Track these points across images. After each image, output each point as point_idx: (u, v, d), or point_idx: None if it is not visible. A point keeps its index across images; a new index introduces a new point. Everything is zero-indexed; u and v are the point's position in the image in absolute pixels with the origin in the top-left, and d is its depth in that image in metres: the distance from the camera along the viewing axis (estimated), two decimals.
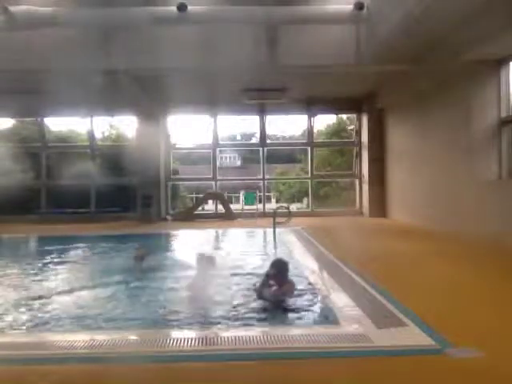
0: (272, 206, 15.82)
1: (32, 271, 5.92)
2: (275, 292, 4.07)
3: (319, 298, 4.09)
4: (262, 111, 14.04)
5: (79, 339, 2.96)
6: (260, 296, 4.08)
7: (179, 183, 16.69)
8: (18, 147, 13.30)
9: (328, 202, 16.49)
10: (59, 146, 14.87)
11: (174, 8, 8.20)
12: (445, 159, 8.80)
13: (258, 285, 4.35)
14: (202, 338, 2.90)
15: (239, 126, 25.79)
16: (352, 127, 15.07)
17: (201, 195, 15.27)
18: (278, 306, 3.89)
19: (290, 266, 4.89)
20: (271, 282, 4.18)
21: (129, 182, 13.13)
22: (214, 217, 13.85)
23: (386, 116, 12.87)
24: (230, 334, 3.07)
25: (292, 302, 3.99)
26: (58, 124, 16.22)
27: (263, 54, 9.25)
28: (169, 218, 13.50)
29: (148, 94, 11.65)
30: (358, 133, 14.14)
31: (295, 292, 4.19)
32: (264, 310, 3.83)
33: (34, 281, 5.33)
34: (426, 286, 4.34)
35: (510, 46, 6.63)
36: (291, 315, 3.69)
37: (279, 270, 4.25)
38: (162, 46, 9.11)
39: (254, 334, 3.02)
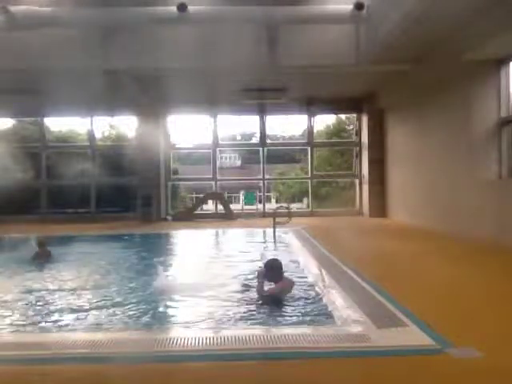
0: (272, 206, 15.81)
1: None
2: (271, 290, 4.09)
3: (319, 297, 4.09)
4: (262, 111, 14.03)
5: (79, 339, 2.96)
6: (261, 295, 4.09)
7: (179, 183, 16.68)
8: (18, 147, 13.28)
9: (328, 202, 16.48)
10: (59, 146, 14.87)
11: (174, 8, 8.20)
12: (445, 159, 8.79)
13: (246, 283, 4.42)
14: (202, 338, 2.90)
15: (239, 125, 25.77)
16: (352, 127, 15.06)
17: (201, 195, 15.28)
18: (274, 302, 3.91)
19: (292, 266, 4.88)
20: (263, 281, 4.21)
21: (129, 182, 13.13)
22: (214, 217, 13.86)
23: (386, 116, 12.86)
24: (230, 333, 3.06)
25: (292, 301, 3.99)
26: (58, 124, 16.20)
27: (263, 54, 9.24)
28: (169, 218, 13.50)
29: (148, 94, 11.65)
30: (358, 133, 14.13)
31: (293, 291, 4.20)
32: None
33: None
34: (426, 286, 4.34)
35: (510, 46, 6.62)
36: (291, 316, 3.68)
37: (273, 269, 4.26)
38: (162, 46, 9.11)
39: (254, 333, 3.01)
